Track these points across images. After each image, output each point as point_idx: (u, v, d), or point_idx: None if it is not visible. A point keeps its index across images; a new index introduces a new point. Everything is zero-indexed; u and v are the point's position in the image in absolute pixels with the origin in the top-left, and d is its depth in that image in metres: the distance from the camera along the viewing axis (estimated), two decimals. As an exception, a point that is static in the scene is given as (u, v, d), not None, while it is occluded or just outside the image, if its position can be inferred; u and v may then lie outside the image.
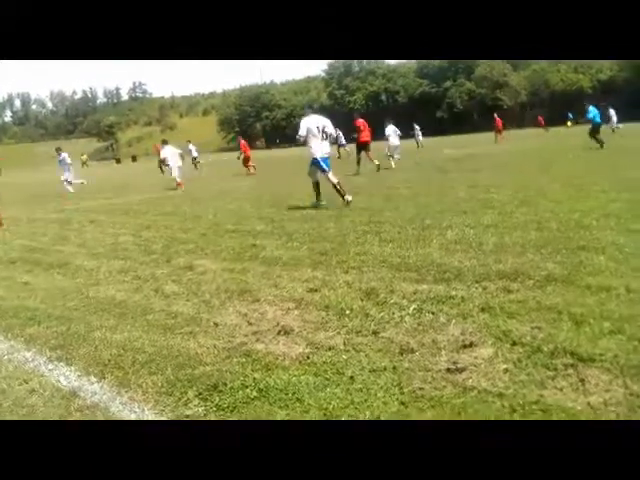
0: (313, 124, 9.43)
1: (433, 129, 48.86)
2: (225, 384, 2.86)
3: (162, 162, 21.04)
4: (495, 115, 33.08)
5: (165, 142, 18.97)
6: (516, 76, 75.48)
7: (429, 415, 2.37)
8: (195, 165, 29.46)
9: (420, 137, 32.75)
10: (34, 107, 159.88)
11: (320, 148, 9.43)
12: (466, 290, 3.99)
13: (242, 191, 14.16)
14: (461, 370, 2.77)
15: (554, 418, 2.23)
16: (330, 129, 9.55)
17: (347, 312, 3.78)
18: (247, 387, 2.80)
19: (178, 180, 16.37)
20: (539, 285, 3.94)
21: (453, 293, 3.93)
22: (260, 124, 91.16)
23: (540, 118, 48.67)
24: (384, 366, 2.88)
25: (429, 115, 73.48)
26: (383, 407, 2.47)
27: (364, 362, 2.96)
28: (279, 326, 3.63)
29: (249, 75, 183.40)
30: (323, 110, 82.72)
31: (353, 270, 4.89)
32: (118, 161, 69.22)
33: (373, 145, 17.59)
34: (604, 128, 21.26)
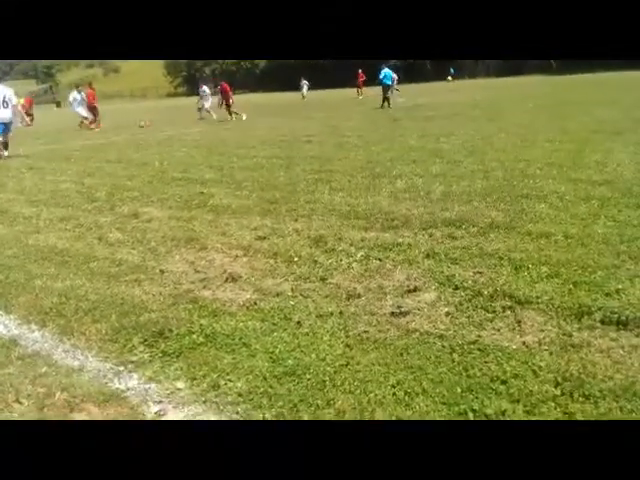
0: None
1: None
2: (171, 330, 2.84)
3: None
4: (360, 71, 32.88)
5: None
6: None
7: (372, 356, 2.43)
8: None
9: (305, 90, 36.29)
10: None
11: None
12: (413, 237, 4.06)
13: (190, 138, 13.76)
14: (405, 314, 2.85)
15: (490, 357, 2.34)
16: (12, 99, 11.28)
17: (295, 259, 3.79)
18: (193, 333, 2.79)
19: None
20: (482, 232, 4.05)
21: (400, 240, 3.99)
22: (209, 68, 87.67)
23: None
24: (331, 311, 2.93)
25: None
26: (329, 350, 2.52)
27: (311, 307, 3.00)
28: (226, 273, 3.61)
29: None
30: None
31: (302, 218, 4.89)
32: (58, 105, 65.51)
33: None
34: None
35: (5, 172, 9.26)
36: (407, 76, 53.53)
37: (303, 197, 5.70)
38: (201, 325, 2.88)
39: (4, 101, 11.11)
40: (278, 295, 3.22)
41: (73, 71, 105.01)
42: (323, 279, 3.40)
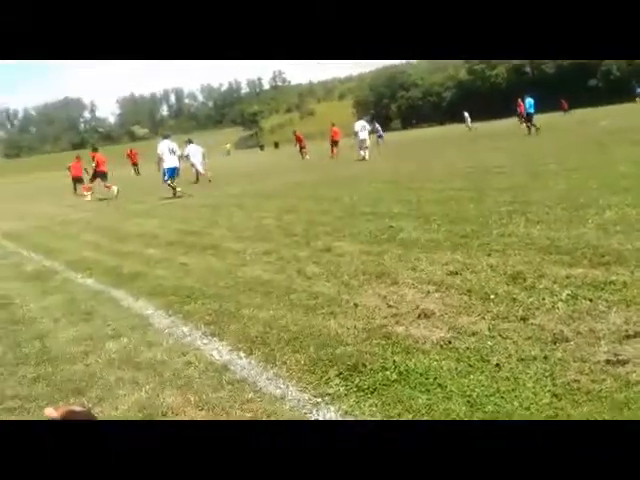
0: (166, 147, 14.67)
1: (585, 99, 44.69)
2: (365, 365, 2.87)
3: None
4: (519, 100, 29.03)
5: (189, 141, 19.59)
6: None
7: (585, 410, 2.17)
8: None
9: (469, 122, 37.65)
10: (187, 101, 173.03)
11: (168, 162, 14.50)
12: (629, 275, 3.59)
13: (378, 173, 14.13)
14: (624, 362, 2.50)
15: None
16: (177, 150, 15.01)
17: (491, 297, 3.60)
18: (387, 369, 2.79)
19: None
20: None
21: (613, 278, 3.56)
22: (395, 105, 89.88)
23: (563, 102, 42.39)
24: (534, 355, 2.70)
25: (580, 84, 67.31)
26: (533, 398, 2.31)
27: (511, 350, 2.80)
28: (419, 309, 3.57)
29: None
30: (462, 86, 79.16)
31: (497, 253, 4.65)
32: (262, 148, 72.91)
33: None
34: None
35: (217, 210, 10.44)
36: (608, 98, 48.89)
37: (496, 230, 5.44)
38: (394, 362, 2.86)
39: (172, 151, 14.57)
40: (474, 334, 3.07)
41: (274, 116, 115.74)
42: (524, 319, 3.16)
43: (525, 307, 3.32)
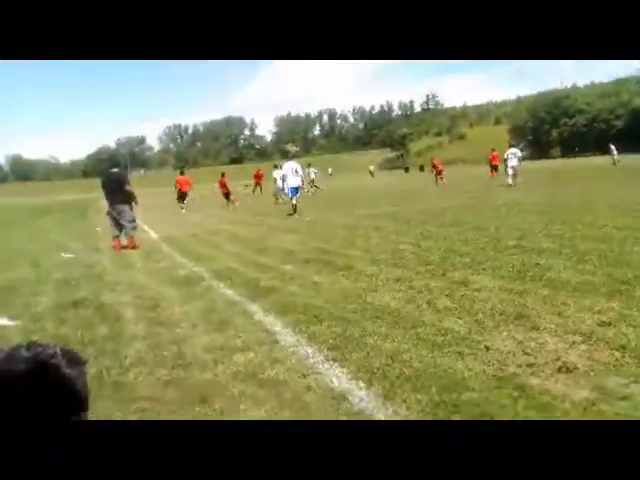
0: (289, 168, 15.52)
1: None
2: (492, 417, 2.61)
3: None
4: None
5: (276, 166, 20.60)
6: None
7: None
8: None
9: (616, 155, 35.95)
10: (338, 121, 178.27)
11: (291, 181, 15.32)
12: None
13: (530, 203, 13.26)
14: None
15: None
16: (300, 171, 15.74)
17: (651, 357, 3.12)
18: (516, 427, 2.50)
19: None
20: None
21: None
22: (556, 131, 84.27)
23: None
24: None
25: None
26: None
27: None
28: (560, 361, 3.20)
29: (545, 81, 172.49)
30: (636, 114, 71.76)
31: (663, 305, 4.05)
32: (406, 170, 72.78)
33: None
34: None
35: (355, 231, 10.48)
36: None
37: (665, 279, 4.76)
38: (527, 418, 2.57)
39: (295, 171, 15.40)
40: (625, 399, 2.67)
41: (423, 139, 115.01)
42: (691, 391, 2.68)
43: (695, 376, 2.82)
